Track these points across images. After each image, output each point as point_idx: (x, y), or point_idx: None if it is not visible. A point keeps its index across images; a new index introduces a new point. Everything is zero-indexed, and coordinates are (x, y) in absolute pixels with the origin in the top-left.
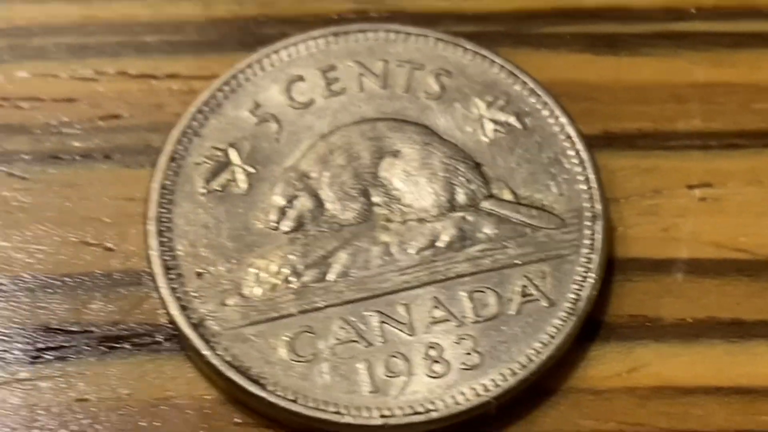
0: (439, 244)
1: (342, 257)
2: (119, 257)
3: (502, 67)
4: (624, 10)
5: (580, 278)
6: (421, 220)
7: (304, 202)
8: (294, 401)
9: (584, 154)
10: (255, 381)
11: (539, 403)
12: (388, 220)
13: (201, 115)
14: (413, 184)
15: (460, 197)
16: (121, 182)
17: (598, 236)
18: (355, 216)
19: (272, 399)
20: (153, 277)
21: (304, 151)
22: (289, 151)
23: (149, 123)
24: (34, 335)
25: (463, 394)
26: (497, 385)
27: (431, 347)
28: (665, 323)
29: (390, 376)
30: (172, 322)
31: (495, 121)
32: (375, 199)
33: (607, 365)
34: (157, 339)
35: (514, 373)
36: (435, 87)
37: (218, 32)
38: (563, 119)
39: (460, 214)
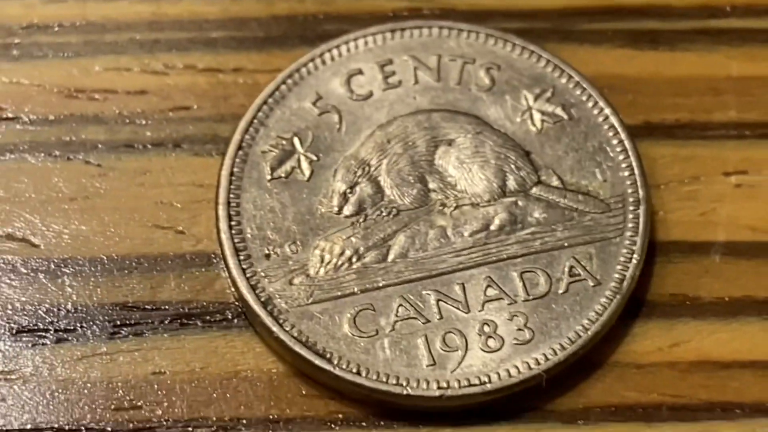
0: (492, 227)
1: (401, 240)
2: (190, 240)
3: (549, 61)
4: (664, 7)
5: (624, 259)
6: (474, 205)
7: (364, 188)
8: (357, 374)
9: (627, 143)
10: (321, 355)
11: (586, 376)
12: (444, 205)
13: (266, 106)
14: (467, 171)
15: (511, 183)
16: (191, 170)
17: (641, 220)
18: (413, 201)
19: (337, 372)
20: (223, 258)
21: (363, 140)
22: (349, 140)
23: (216, 114)
24: (112, 313)
25: (515, 367)
26: (547, 359)
27: (485, 324)
28: (704, 302)
29: (447, 351)
30: (241, 300)
31: (543, 112)
32: (431, 185)
33: (650, 341)
34: (227, 316)
35: (563, 348)
36: (486, 80)
37: (280, 28)
38: (607, 110)
39: (511, 199)
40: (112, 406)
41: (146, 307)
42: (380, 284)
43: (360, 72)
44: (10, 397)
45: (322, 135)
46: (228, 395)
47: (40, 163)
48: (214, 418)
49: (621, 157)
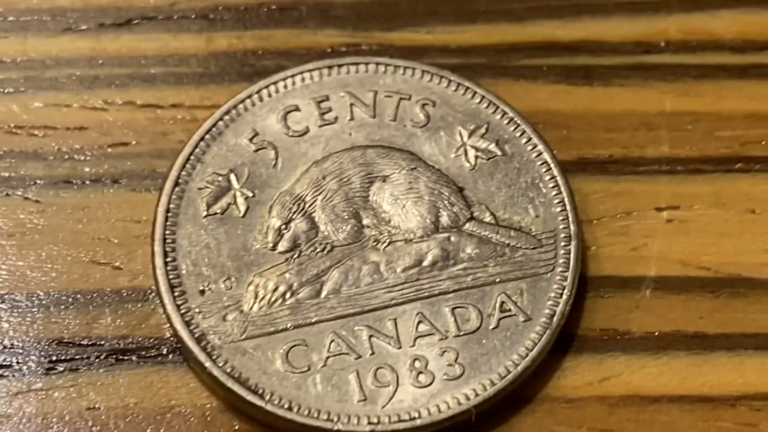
0: (425, 263)
1: (334, 275)
2: (127, 275)
3: (484, 97)
4: (598, 43)
5: (555, 295)
6: (408, 241)
7: (299, 224)
8: (289, 409)
9: (560, 179)
10: (253, 391)
11: (516, 410)
12: (378, 241)
13: (203, 142)
14: (400, 207)
15: (444, 219)
16: (129, 205)
17: (572, 255)
18: (347, 237)
19: (269, 407)
20: (159, 294)
21: (298, 176)
22: (285, 177)
23: (155, 150)
24: (48, 348)
25: (445, 402)
26: (477, 395)
27: (416, 359)
28: (634, 336)
29: (378, 386)
30: (176, 335)
31: (477, 148)
32: (365, 221)
33: (580, 375)
34: (162, 352)
35: (493, 383)
36: (421, 116)
37: (219, 64)
38: (540, 146)
39: (444, 235)
40: None
41: (82, 342)
42: (313, 320)
43: (297, 108)
44: None
45: (258, 171)
46: (162, 430)
47: None
48: None
49: (553, 192)
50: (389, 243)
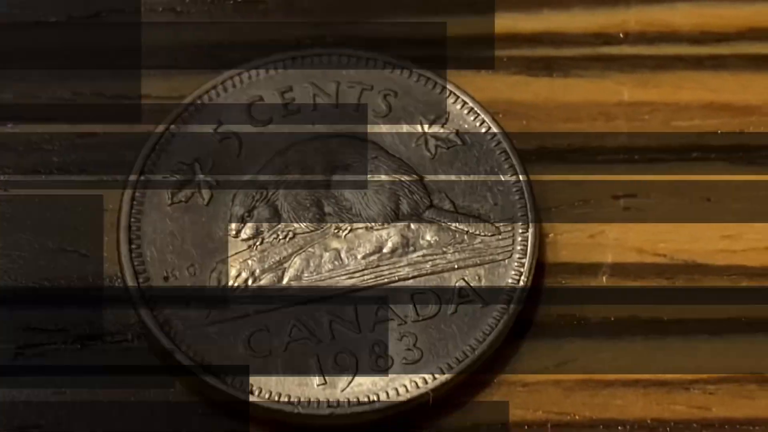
0: (385, 250)
1: (296, 262)
2: (93, 263)
3: (444, 87)
4: (558, 35)
5: (512, 281)
6: (368, 228)
7: (261, 212)
8: (251, 393)
9: (518, 168)
10: (216, 375)
11: (474, 394)
12: (339, 229)
13: (169, 132)
14: (362, 195)
15: (404, 207)
16: (96, 194)
17: (530, 242)
18: (309, 224)
19: (231, 391)
20: (124, 281)
21: (262, 165)
22: (248, 166)
23: (122, 140)
24: (16, 335)
25: (403, 386)
26: (435, 378)
27: (376, 344)
28: (591, 322)
29: (338, 371)
30: (140, 321)
31: (437, 138)
32: (327, 209)
33: (537, 360)
34: (127, 337)
35: (450, 368)
36: (383, 106)
37: (186, 56)
38: (500, 136)
39: (404, 222)
40: (15, 427)
41: (49, 328)
42: (275, 306)
43: (261, 99)
44: None
45: (222, 161)
46: (126, 414)
47: None
48: None
49: (512, 181)
50: (350, 230)
